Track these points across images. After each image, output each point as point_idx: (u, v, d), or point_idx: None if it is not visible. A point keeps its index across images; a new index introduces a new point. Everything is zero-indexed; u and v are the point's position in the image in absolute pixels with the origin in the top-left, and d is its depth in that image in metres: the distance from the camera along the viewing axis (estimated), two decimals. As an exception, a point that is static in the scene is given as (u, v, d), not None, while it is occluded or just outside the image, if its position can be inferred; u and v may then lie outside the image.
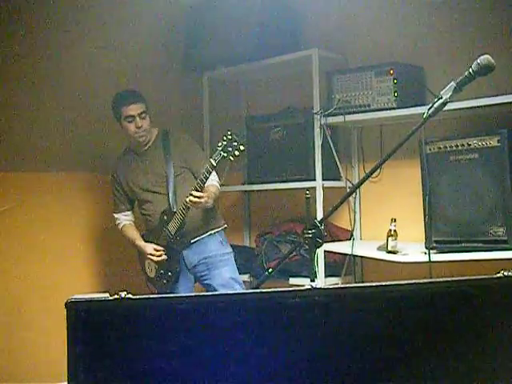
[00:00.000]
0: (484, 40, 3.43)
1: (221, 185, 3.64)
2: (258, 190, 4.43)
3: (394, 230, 3.34)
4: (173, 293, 3.60)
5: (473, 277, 1.40)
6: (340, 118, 3.74)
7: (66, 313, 1.25)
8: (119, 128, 3.68)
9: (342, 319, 1.35)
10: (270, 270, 2.33)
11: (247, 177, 4.38)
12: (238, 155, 3.23)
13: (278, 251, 4.05)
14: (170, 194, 3.57)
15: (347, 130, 4.08)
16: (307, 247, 2.10)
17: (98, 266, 4.25)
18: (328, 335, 1.34)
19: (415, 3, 3.73)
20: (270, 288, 1.39)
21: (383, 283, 1.36)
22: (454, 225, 3.14)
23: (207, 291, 3.61)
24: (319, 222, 2.07)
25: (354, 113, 3.71)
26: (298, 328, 1.33)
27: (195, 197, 3.32)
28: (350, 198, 3.94)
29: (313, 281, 2.15)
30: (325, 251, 3.72)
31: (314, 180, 3.82)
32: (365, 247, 3.73)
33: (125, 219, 3.80)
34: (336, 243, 3.88)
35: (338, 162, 4.00)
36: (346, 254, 3.85)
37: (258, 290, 1.51)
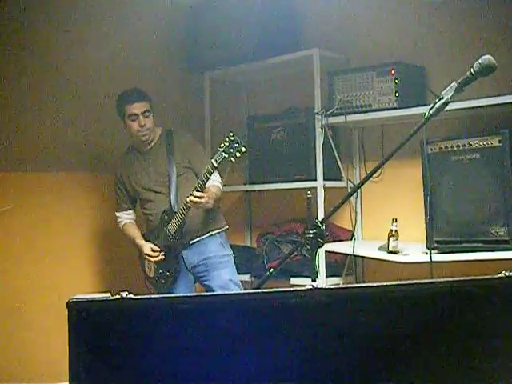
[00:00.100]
0: (485, 40, 3.43)
1: (222, 185, 3.64)
2: (259, 190, 4.43)
3: (395, 230, 3.34)
4: (171, 293, 3.59)
5: (474, 277, 1.40)
6: (341, 118, 3.74)
7: (67, 313, 1.25)
8: (120, 128, 3.68)
9: (344, 319, 1.35)
10: (272, 270, 2.33)
11: (248, 177, 4.38)
12: (240, 157, 3.23)
13: (279, 251, 4.05)
14: (172, 194, 3.58)
15: (348, 130, 4.08)
16: (308, 247, 2.10)
17: (98, 265, 4.25)
18: (329, 335, 1.34)
19: (416, 3, 3.73)
20: (271, 288, 1.39)
21: (384, 283, 1.36)
22: (455, 225, 3.14)
23: (206, 292, 3.61)
24: (320, 222, 2.07)
25: (355, 113, 3.71)
26: (299, 328, 1.33)
27: (196, 197, 3.32)
28: (351, 198, 3.94)
29: (314, 281, 2.15)
30: (326, 251, 3.72)
31: (315, 180, 3.82)
32: (366, 247, 3.73)
33: (126, 218, 3.81)
34: (337, 243, 3.88)
35: (339, 162, 4.00)
36: (347, 254, 3.85)
37: (259, 290, 1.52)
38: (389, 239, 3.34)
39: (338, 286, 1.45)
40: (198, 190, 3.33)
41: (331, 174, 3.93)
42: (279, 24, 4.11)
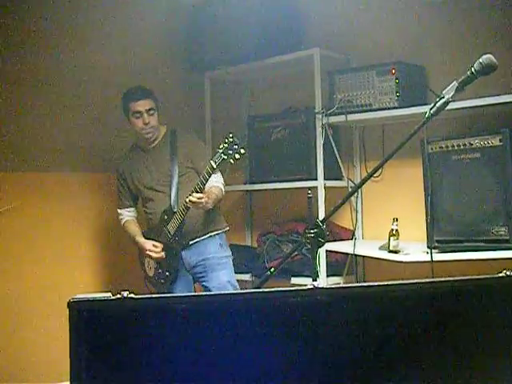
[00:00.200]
0: (486, 39, 3.43)
1: (225, 186, 3.64)
2: (259, 190, 4.43)
3: (396, 230, 3.34)
4: (171, 293, 3.59)
5: (475, 276, 1.40)
6: (342, 118, 3.74)
7: (68, 312, 1.25)
8: (120, 127, 3.68)
9: (344, 319, 1.35)
10: (272, 270, 2.33)
11: (249, 176, 4.38)
12: (239, 158, 3.22)
13: (280, 251, 4.05)
14: (173, 194, 3.57)
15: (349, 130, 4.08)
16: (309, 247, 2.10)
17: (98, 265, 4.25)
18: (330, 335, 1.34)
19: (417, 3, 3.73)
20: (271, 288, 1.39)
21: (385, 283, 1.36)
22: (455, 224, 3.14)
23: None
24: (321, 222, 2.07)
25: (355, 112, 3.70)
26: (300, 327, 1.33)
27: (195, 198, 3.31)
28: (352, 198, 3.94)
29: (315, 280, 2.15)
30: (327, 251, 3.72)
31: (316, 179, 3.82)
32: (367, 247, 3.73)
33: (127, 215, 3.81)
34: (338, 243, 3.88)
35: (340, 162, 4.00)
36: (347, 254, 3.85)
37: (259, 290, 1.52)
38: (389, 239, 3.34)
39: (338, 286, 1.46)
40: (197, 191, 3.33)
41: (332, 173, 3.93)
42: (280, 24, 4.11)
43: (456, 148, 3.13)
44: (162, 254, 3.60)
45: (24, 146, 3.89)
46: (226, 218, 3.79)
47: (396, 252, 3.32)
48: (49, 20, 3.95)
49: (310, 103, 3.93)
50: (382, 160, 2.11)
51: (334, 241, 3.91)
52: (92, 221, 4.23)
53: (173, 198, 3.57)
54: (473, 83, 1.97)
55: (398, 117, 3.57)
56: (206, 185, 3.37)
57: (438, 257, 3.12)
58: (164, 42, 4.52)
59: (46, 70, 3.96)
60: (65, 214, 4.07)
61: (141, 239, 3.69)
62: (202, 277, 3.63)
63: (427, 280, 1.39)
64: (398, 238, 3.34)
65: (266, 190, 4.34)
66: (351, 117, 3.72)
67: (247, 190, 4.60)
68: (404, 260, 3.26)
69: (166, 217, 3.57)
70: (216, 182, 3.52)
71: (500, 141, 3.00)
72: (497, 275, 1.39)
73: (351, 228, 4.02)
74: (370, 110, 3.64)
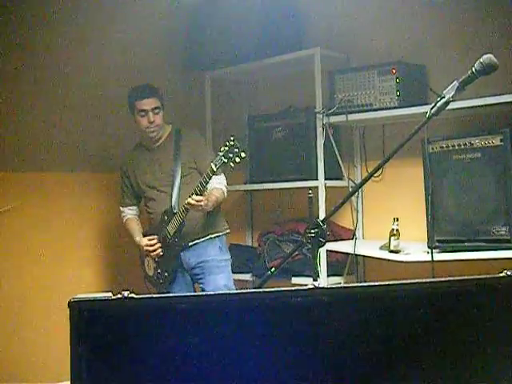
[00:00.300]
0: (487, 39, 3.43)
1: (227, 188, 3.63)
2: (260, 190, 4.43)
3: (397, 230, 3.34)
4: (169, 293, 3.59)
5: (475, 276, 1.40)
6: (342, 118, 3.74)
7: (68, 312, 1.25)
8: (121, 127, 3.68)
9: (345, 319, 1.34)
10: (273, 270, 2.33)
11: (249, 176, 4.38)
12: (239, 162, 3.20)
13: (281, 251, 4.05)
14: (174, 195, 3.56)
15: (349, 130, 4.08)
16: (310, 246, 2.10)
17: (99, 265, 4.25)
18: (330, 334, 1.34)
19: (417, 2, 3.73)
20: (272, 287, 1.39)
21: (386, 283, 1.35)
22: (456, 224, 3.14)
23: (202, 294, 3.61)
24: (322, 222, 2.07)
25: (356, 112, 3.70)
26: (301, 327, 1.33)
27: (194, 200, 3.31)
28: (353, 198, 3.94)
29: (315, 280, 2.15)
30: (327, 250, 3.72)
31: (317, 179, 3.82)
32: (367, 246, 3.73)
33: (129, 213, 3.81)
34: (338, 242, 3.88)
35: (341, 162, 4.00)
36: (348, 254, 3.85)
37: (260, 290, 1.51)
38: (390, 238, 3.34)
39: (339, 286, 1.45)
40: (197, 194, 3.32)
41: (332, 173, 3.92)
42: (280, 23, 4.11)
43: (457, 148, 3.13)
44: (159, 250, 3.60)
45: (24, 146, 3.89)
46: (226, 218, 3.79)
47: (396, 252, 3.32)
48: (49, 20, 3.96)
49: (310, 103, 3.93)
50: (382, 160, 2.11)
51: (335, 241, 3.91)
52: (92, 221, 4.23)
53: (174, 198, 3.56)
54: (473, 83, 1.97)
55: (399, 117, 3.57)
56: (208, 186, 3.36)
57: (439, 257, 3.12)
58: (164, 42, 4.52)
59: (46, 70, 3.96)
60: (65, 214, 4.08)
61: (137, 238, 3.69)
62: (200, 279, 3.63)
63: (428, 280, 1.39)
64: (398, 238, 3.34)
65: (266, 189, 4.34)
66: (352, 117, 3.72)
67: (248, 190, 4.60)
68: (404, 260, 3.26)
69: (166, 217, 3.57)
70: (219, 183, 3.52)
71: (501, 141, 3.00)
72: (497, 275, 1.39)
73: (352, 228, 4.02)
74: (371, 110, 3.64)
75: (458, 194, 3.14)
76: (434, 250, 3.11)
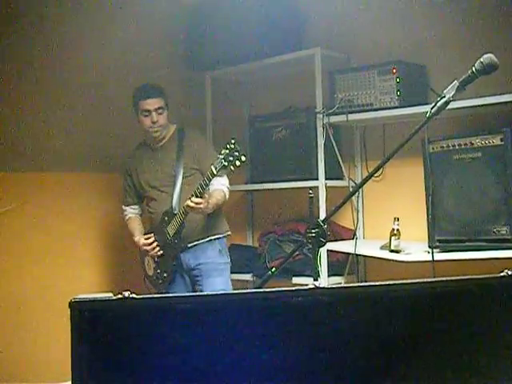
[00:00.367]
0: (487, 38, 3.42)
1: (229, 190, 3.62)
2: (260, 190, 4.43)
3: (397, 229, 3.34)
4: (168, 293, 3.59)
5: (476, 276, 1.40)
6: (342, 117, 3.74)
7: (69, 312, 1.25)
8: (122, 127, 3.67)
9: (345, 319, 1.34)
10: (273, 270, 2.33)
11: (250, 176, 4.38)
12: (239, 166, 3.18)
13: (281, 250, 4.05)
14: (175, 195, 3.55)
15: (350, 129, 4.08)
16: (310, 246, 2.10)
17: (99, 265, 4.25)
18: (331, 334, 1.34)
19: (417, 2, 3.72)
20: (272, 287, 1.39)
21: (386, 283, 1.35)
22: (457, 224, 3.14)
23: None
24: (322, 222, 2.07)
25: (356, 112, 3.70)
26: (301, 327, 1.33)
27: (193, 202, 3.30)
28: (353, 197, 3.94)
29: (316, 280, 2.15)
30: (328, 250, 3.72)
31: (317, 179, 3.82)
32: (368, 246, 3.73)
33: (131, 212, 3.81)
34: (339, 242, 3.88)
35: (341, 161, 4.00)
36: (348, 254, 3.85)
37: (260, 290, 1.51)
38: (390, 238, 3.33)
39: (339, 286, 1.45)
40: (197, 196, 3.31)
41: (333, 173, 3.92)
42: (280, 23, 4.11)
43: (457, 147, 3.13)
44: (157, 249, 3.59)
45: (24, 145, 3.89)
46: (226, 218, 3.78)
47: (397, 252, 3.32)
48: (49, 20, 3.95)
49: (310, 103, 3.93)
50: (382, 159, 2.11)
51: (335, 240, 3.91)
52: (92, 221, 4.23)
53: (175, 199, 3.55)
54: (474, 82, 1.97)
55: (399, 116, 3.57)
56: (210, 187, 3.36)
57: (440, 256, 3.12)
58: (164, 42, 4.52)
59: (46, 70, 3.96)
60: (65, 214, 4.07)
61: (137, 237, 3.69)
62: (198, 281, 3.62)
63: (428, 280, 1.39)
64: (399, 238, 3.33)
65: (267, 189, 4.33)
66: (352, 116, 3.71)
67: (248, 190, 4.60)
68: (405, 260, 3.26)
69: (166, 218, 3.56)
70: (221, 184, 3.51)
71: (501, 140, 2.99)
72: (498, 275, 1.39)
73: (352, 228, 4.01)
74: (371, 110, 3.64)
75: (459, 194, 3.13)
76: (434, 250, 3.11)
